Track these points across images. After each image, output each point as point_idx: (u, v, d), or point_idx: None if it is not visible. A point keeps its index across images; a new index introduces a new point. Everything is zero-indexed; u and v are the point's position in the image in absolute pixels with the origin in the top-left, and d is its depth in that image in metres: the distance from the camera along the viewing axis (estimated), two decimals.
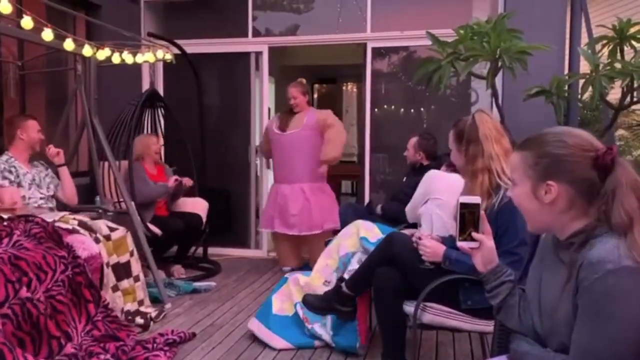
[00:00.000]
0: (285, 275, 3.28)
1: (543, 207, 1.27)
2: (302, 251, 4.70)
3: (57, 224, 2.99)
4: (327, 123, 4.42)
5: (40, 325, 2.41)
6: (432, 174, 2.90)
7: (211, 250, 4.93)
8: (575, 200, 1.24)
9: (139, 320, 3.16)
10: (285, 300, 3.09)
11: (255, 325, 3.05)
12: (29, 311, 2.38)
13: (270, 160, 4.90)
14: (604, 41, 3.23)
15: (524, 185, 1.30)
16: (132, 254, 3.33)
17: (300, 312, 2.97)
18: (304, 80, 4.67)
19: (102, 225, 3.27)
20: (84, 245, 2.98)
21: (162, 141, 5.08)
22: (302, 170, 4.47)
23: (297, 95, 4.48)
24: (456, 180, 2.66)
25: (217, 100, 5.57)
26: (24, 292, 2.41)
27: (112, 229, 3.28)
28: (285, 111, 4.62)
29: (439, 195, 2.73)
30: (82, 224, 3.15)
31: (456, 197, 2.76)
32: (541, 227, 1.34)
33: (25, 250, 2.67)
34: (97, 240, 3.11)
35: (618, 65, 3.08)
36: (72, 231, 3.04)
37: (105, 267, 3.08)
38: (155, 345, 2.80)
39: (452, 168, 2.71)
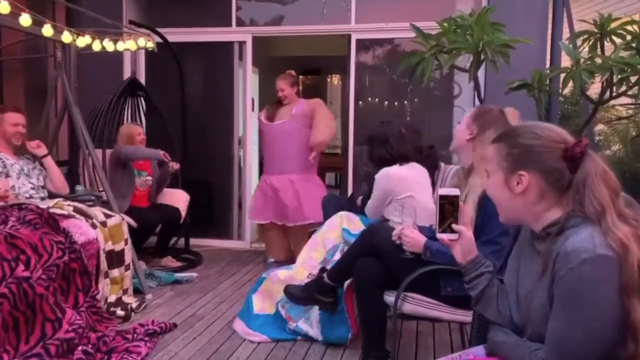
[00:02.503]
0: (263, 275, 3.20)
1: (515, 197, 1.30)
2: (291, 243, 4.65)
3: (51, 210, 2.94)
4: (314, 109, 4.40)
5: (35, 306, 2.39)
6: (388, 173, 2.85)
7: (193, 241, 4.90)
8: (546, 191, 1.27)
9: (120, 311, 3.13)
10: (266, 299, 3.06)
11: (239, 325, 3.03)
12: (24, 291, 2.36)
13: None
14: (585, 36, 3.26)
15: (497, 176, 1.33)
16: (126, 243, 3.31)
17: (282, 312, 2.96)
18: (292, 72, 4.62)
19: (98, 212, 3.23)
20: (81, 230, 2.94)
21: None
22: (291, 161, 4.44)
23: (284, 87, 4.45)
24: (411, 171, 2.84)
25: (200, 90, 5.52)
26: (20, 271, 2.38)
27: (107, 216, 3.24)
28: (274, 103, 4.56)
29: (409, 193, 2.76)
30: (77, 209, 3.10)
31: (423, 183, 2.82)
32: (513, 217, 1.36)
33: (21, 233, 2.63)
34: (94, 226, 3.07)
35: (598, 60, 3.11)
36: (68, 216, 2.99)
37: (102, 252, 3.05)
38: (135, 335, 2.78)
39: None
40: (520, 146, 1.29)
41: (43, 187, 3.45)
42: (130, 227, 3.80)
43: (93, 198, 3.57)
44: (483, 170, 2.12)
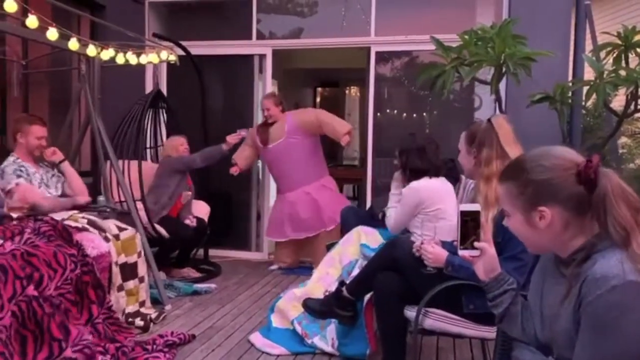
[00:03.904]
0: (280, 295, 3.27)
1: (540, 232, 1.26)
2: (301, 254, 4.78)
3: (66, 222, 2.98)
4: (311, 119, 4.55)
5: (43, 325, 2.41)
6: (418, 187, 2.77)
7: (212, 252, 4.93)
8: (571, 219, 1.23)
9: (139, 322, 3.15)
10: (283, 317, 3.08)
11: (257, 338, 3.03)
12: (34, 310, 2.38)
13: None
14: (609, 48, 3.23)
15: (516, 216, 1.30)
16: (139, 255, 3.33)
17: (299, 328, 2.95)
18: (276, 92, 4.82)
19: (111, 224, 3.26)
20: (94, 243, 2.98)
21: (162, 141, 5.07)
22: (300, 174, 4.57)
23: (269, 106, 4.59)
24: (440, 183, 2.77)
25: (220, 102, 5.57)
26: (30, 290, 2.41)
27: (121, 229, 3.28)
28: (261, 123, 4.71)
29: (439, 205, 2.71)
30: (91, 222, 3.14)
31: (452, 196, 2.76)
32: (541, 250, 1.34)
33: (36, 249, 2.66)
34: (106, 239, 3.10)
35: (623, 73, 3.08)
36: (82, 229, 3.03)
37: (114, 266, 3.08)
38: (154, 346, 2.79)
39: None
40: (532, 183, 1.25)
41: (61, 195, 3.48)
42: (161, 237, 3.86)
43: (108, 210, 3.59)
44: (485, 188, 2.12)
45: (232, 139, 4.38)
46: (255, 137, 4.66)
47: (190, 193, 4.38)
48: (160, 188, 4.22)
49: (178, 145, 4.43)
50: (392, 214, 2.87)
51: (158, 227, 3.96)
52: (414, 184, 2.76)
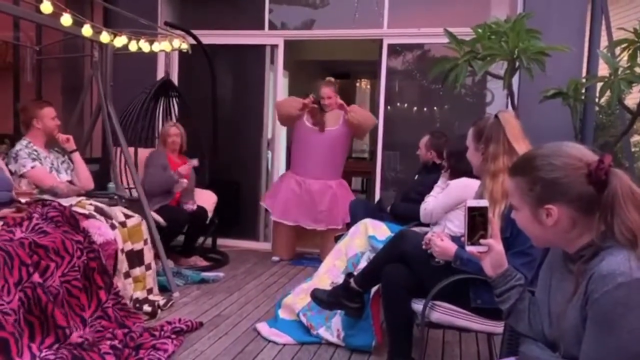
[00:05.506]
0: (289, 290, 3.30)
1: (547, 229, 1.26)
2: (298, 245, 4.86)
3: (73, 209, 3.01)
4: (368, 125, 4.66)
5: (47, 312, 2.44)
6: (470, 184, 2.67)
7: (220, 241, 4.96)
8: (578, 218, 1.22)
9: (147, 308, 3.17)
10: (291, 312, 3.10)
11: (264, 328, 3.05)
12: (38, 297, 2.41)
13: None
14: (624, 44, 3.19)
15: (524, 211, 1.30)
16: (145, 242, 3.35)
17: (304, 320, 2.97)
18: (332, 79, 4.73)
19: (118, 212, 3.29)
20: (100, 230, 3.01)
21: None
22: (331, 167, 4.62)
23: (331, 94, 4.55)
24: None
25: (231, 92, 5.57)
26: (36, 277, 2.44)
27: (127, 216, 3.30)
28: (315, 108, 4.57)
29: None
30: (98, 209, 3.17)
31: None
32: (547, 244, 1.35)
33: (44, 235, 2.69)
34: (112, 227, 3.13)
35: (638, 70, 3.05)
36: (89, 216, 3.06)
37: (119, 253, 3.11)
38: (162, 332, 2.81)
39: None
40: (541, 181, 1.24)
41: (70, 182, 3.52)
42: (158, 225, 3.87)
43: (115, 197, 3.61)
44: (492, 183, 2.10)
45: (183, 170, 4.24)
46: (304, 114, 4.57)
47: (185, 181, 4.25)
48: (148, 177, 4.15)
49: (166, 137, 4.33)
50: (431, 201, 2.92)
51: (154, 214, 3.89)
52: (465, 180, 2.74)
